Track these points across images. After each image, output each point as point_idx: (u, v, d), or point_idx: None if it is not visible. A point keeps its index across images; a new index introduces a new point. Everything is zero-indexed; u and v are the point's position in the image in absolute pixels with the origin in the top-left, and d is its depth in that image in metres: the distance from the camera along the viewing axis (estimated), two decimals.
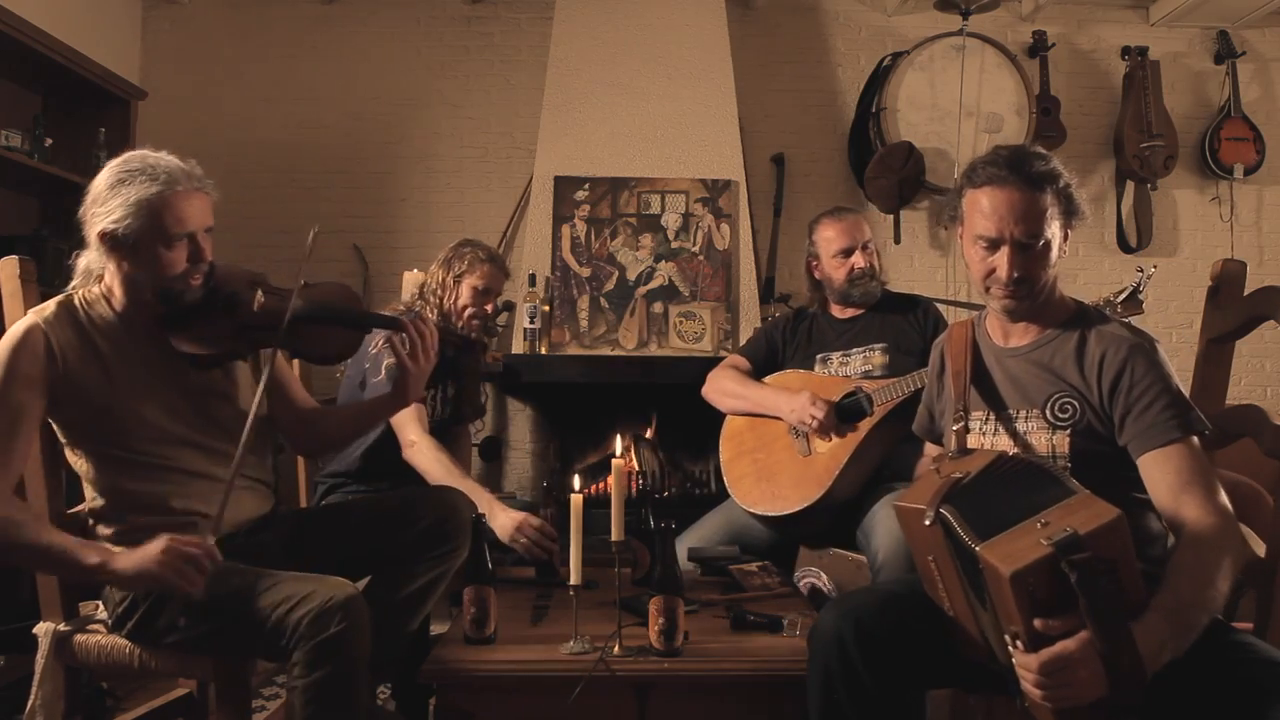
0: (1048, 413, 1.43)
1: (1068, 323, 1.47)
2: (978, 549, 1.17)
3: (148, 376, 1.59)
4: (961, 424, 1.52)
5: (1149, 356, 1.37)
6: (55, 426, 1.58)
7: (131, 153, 1.57)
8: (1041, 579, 1.11)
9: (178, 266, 1.54)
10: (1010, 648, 1.18)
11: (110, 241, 1.52)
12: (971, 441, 1.52)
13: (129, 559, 1.40)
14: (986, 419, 1.52)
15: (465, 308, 2.38)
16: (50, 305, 1.56)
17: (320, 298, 1.67)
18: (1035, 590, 1.11)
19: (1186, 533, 1.26)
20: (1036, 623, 1.12)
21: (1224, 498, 1.30)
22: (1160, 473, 1.32)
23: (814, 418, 2.15)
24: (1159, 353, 1.39)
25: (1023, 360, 1.49)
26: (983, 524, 1.21)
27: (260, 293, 1.59)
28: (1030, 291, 1.43)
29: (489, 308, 2.41)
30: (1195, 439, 1.33)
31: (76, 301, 1.59)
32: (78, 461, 1.59)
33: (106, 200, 1.51)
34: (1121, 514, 1.14)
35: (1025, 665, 1.14)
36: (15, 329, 1.51)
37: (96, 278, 1.62)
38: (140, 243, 1.51)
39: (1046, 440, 1.43)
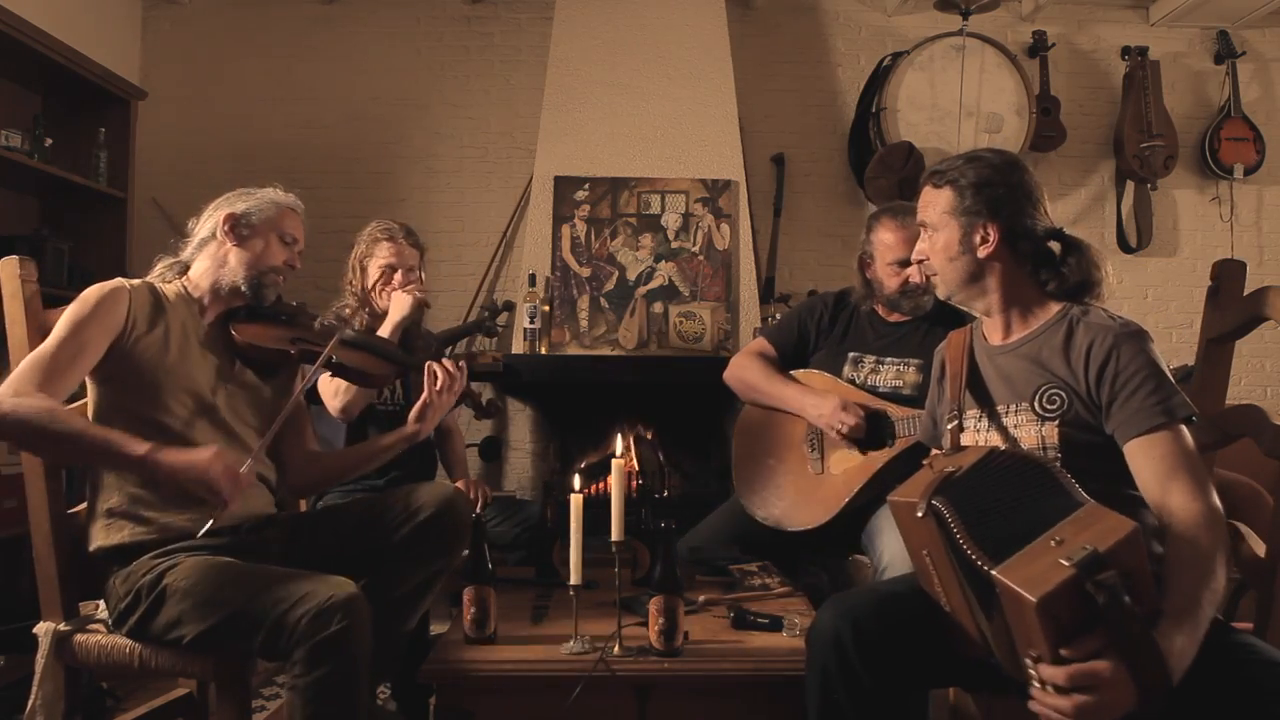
0: (1036, 405, 1.44)
1: (1056, 316, 1.48)
2: (994, 573, 1.14)
3: (199, 355, 1.74)
4: (955, 423, 1.53)
5: (1136, 343, 1.37)
6: (94, 385, 1.65)
7: None
8: (1065, 603, 1.08)
9: (277, 259, 1.80)
10: (1031, 670, 1.15)
11: (232, 222, 1.77)
12: (968, 439, 1.53)
13: (177, 454, 1.51)
14: (980, 417, 1.53)
15: (375, 285, 2.41)
16: (138, 280, 1.74)
17: (368, 335, 1.98)
18: (1059, 614, 1.08)
19: (1178, 526, 1.26)
20: (1064, 652, 1.09)
21: (1210, 487, 1.30)
22: (1145, 459, 1.32)
23: (844, 423, 2.06)
24: (1147, 340, 1.38)
25: (1012, 356, 1.51)
26: (977, 518, 1.20)
27: (320, 319, 1.92)
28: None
29: (397, 280, 2.40)
30: (1183, 427, 1.32)
31: (157, 283, 1.77)
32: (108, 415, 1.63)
33: (243, 195, 1.82)
34: (1137, 526, 1.13)
35: (1052, 679, 1.11)
36: (106, 283, 1.66)
37: (178, 273, 1.81)
38: (259, 228, 1.79)
39: (1036, 432, 1.43)
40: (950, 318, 2.12)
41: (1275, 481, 1.49)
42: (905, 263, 2.15)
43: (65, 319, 1.59)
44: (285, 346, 1.80)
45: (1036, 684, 1.14)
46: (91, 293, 1.63)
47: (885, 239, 2.21)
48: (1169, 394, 1.33)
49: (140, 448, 1.50)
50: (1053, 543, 1.12)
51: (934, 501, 1.25)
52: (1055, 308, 1.50)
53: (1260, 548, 1.50)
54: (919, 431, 1.90)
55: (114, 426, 1.62)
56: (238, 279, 1.77)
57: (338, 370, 1.88)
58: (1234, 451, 1.67)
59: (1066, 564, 1.08)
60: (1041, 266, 1.51)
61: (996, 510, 1.22)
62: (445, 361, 1.90)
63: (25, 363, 1.54)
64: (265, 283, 1.79)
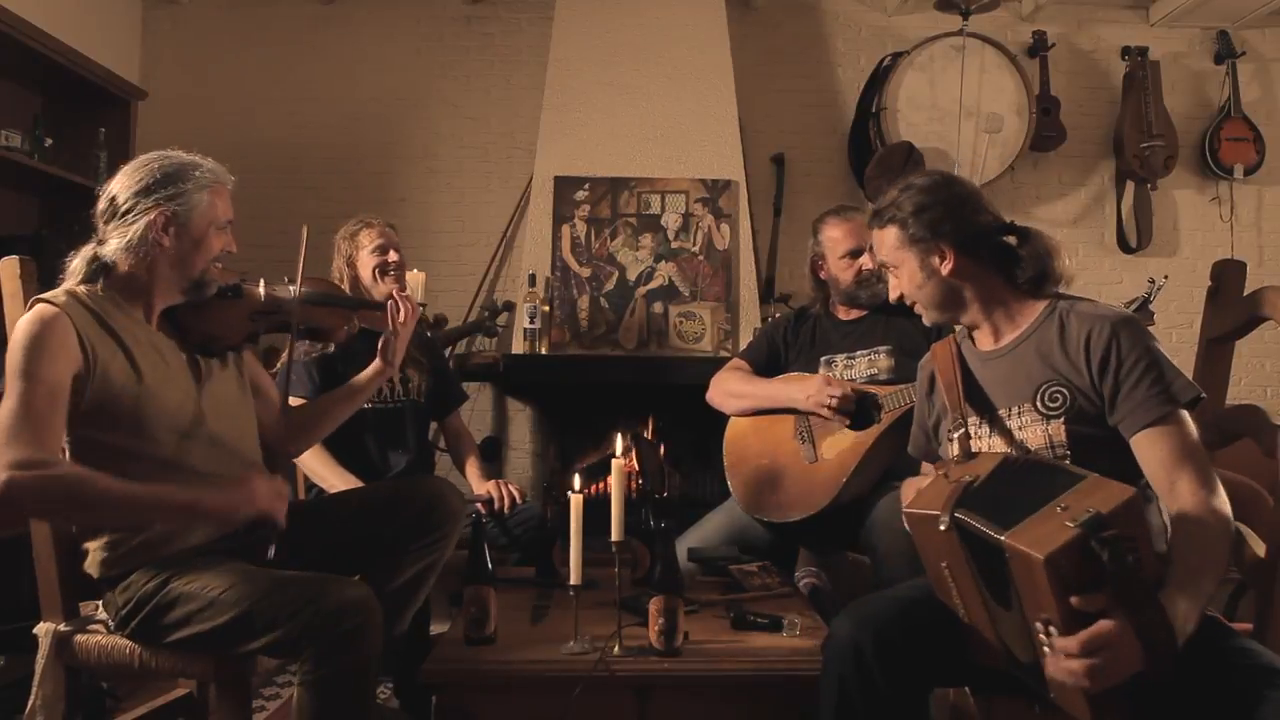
0: (1038, 404, 1.44)
1: (1044, 313, 1.49)
2: (1003, 538, 1.17)
3: (164, 365, 1.61)
4: (961, 430, 1.52)
5: (1133, 330, 1.39)
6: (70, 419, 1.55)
7: (164, 151, 1.65)
8: (1072, 561, 1.12)
9: (215, 251, 1.64)
10: (1042, 635, 1.17)
11: (173, 226, 1.58)
12: (972, 447, 1.51)
13: (223, 497, 1.51)
14: (981, 424, 1.52)
15: (374, 271, 2.42)
16: (60, 294, 1.53)
17: (314, 286, 1.90)
18: (1067, 573, 1.12)
19: (1184, 508, 1.29)
20: (1073, 600, 1.12)
21: (1215, 478, 1.32)
22: (1153, 450, 1.34)
23: (833, 397, 2.11)
24: (1141, 325, 1.40)
25: (1006, 359, 1.51)
26: (1001, 525, 1.21)
27: (261, 283, 1.77)
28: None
29: (392, 258, 2.44)
30: (1186, 415, 1.34)
31: (81, 292, 1.56)
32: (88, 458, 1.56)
33: (165, 179, 1.59)
34: (1136, 491, 1.16)
35: (1065, 648, 1.13)
36: (37, 312, 1.47)
37: (98, 271, 1.60)
38: (194, 225, 1.61)
39: (1042, 432, 1.43)
40: (905, 306, 2.25)
41: (1275, 481, 1.49)
42: (856, 253, 2.28)
43: (15, 369, 1.40)
44: (245, 329, 1.73)
45: (1048, 650, 1.16)
46: (29, 327, 1.44)
47: (833, 235, 2.33)
48: (1171, 379, 1.35)
49: (181, 496, 1.48)
50: (1059, 509, 1.17)
51: (958, 514, 1.25)
52: (1040, 305, 1.51)
53: (1260, 548, 1.50)
54: (907, 404, 2.00)
55: (93, 466, 1.51)
56: (173, 283, 1.61)
57: (307, 334, 1.87)
58: (1234, 451, 1.67)
59: (1071, 525, 1.12)
60: (1006, 264, 1.53)
61: (1013, 508, 1.23)
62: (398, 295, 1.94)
63: (1, 430, 1.37)
64: (206, 280, 1.64)
